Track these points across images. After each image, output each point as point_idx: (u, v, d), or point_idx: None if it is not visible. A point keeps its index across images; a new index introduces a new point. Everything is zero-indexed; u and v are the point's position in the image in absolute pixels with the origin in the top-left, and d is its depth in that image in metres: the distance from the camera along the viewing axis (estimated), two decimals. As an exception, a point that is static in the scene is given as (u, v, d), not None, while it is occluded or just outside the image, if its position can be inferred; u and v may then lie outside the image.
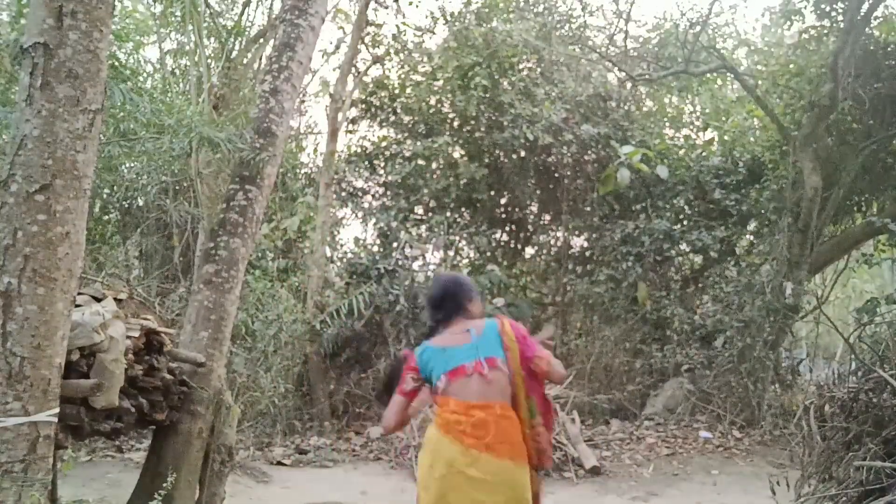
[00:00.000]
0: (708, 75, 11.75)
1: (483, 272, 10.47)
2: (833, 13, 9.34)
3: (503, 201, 12.50)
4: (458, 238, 11.19)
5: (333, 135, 10.62)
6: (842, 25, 8.86)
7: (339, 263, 11.31)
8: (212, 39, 7.75)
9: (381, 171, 12.17)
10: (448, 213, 11.49)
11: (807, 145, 9.13)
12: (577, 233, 12.31)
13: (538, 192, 12.25)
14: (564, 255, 12.31)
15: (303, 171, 12.50)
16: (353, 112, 12.16)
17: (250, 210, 4.57)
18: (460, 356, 2.82)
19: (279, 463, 7.46)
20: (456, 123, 11.72)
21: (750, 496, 6.23)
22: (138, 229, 9.40)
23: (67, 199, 2.82)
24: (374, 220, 11.54)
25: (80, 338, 3.10)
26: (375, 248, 11.02)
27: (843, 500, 3.97)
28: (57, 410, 2.82)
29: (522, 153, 11.43)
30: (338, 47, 12.09)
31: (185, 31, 6.53)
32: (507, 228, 12.95)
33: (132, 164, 7.60)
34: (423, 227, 11.32)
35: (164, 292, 8.36)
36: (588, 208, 11.63)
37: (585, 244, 12.36)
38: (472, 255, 12.13)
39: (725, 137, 11.78)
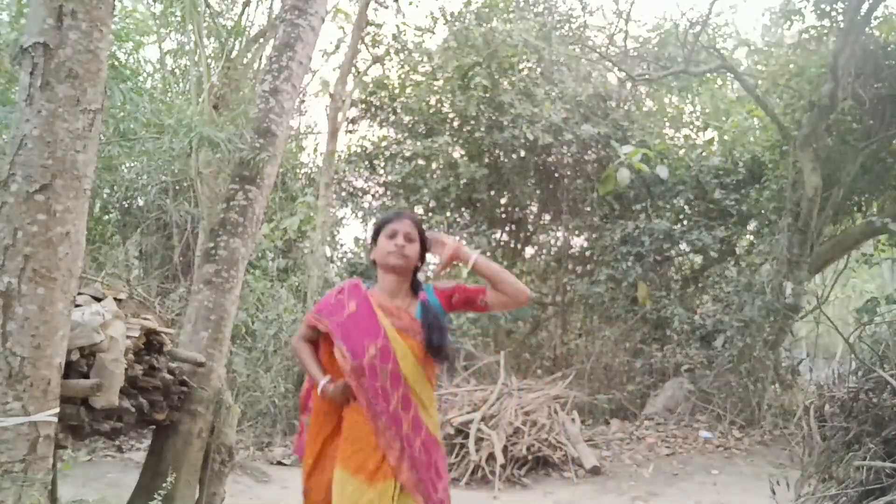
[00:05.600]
0: (708, 75, 11.76)
1: (483, 272, 10.45)
2: (833, 13, 9.33)
3: (503, 201, 12.51)
4: (457, 238, 11.19)
5: (333, 135, 10.63)
6: (842, 25, 8.86)
7: (339, 263, 11.32)
8: (212, 39, 7.77)
9: (381, 171, 12.17)
10: (448, 213, 11.50)
11: (807, 145, 9.13)
12: (577, 233, 12.32)
13: (538, 192, 12.25)
14: (564, 255, 12.32)
15: (303, 171, 12.50)
16: (353, 112, 12.17)
17: (250, 210, 4.56)
18: None
19: (279, 463, 7.46)
20: (456, 123, 11.73)
21: (750, 496, 6.23)
22: (138, 229, 9.40)
23: (67, 199, 2.82)
24: (374, 220, 11.54)
25: (80, 338, 3.09)
26: (375, 248, 11.01)
27: (843, 500, 3.97)
28: (57, 410, 2.82)
29: (522, 153, 11.43)
30: (338, 47, 12.09)
31: (185, 31, 6.54)
32: (507, 228, 12.95)
33: (132, 164, 7.62)
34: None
35: (164, 292, 8.36)
36: (588, 208, 11.63)
37: (585, 244, 12.37)
38: (472, 255, 12.13)
39: (725, 137, 11.79)
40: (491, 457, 6.91)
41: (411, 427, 2.44)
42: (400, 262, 2.48)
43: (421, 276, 2.68)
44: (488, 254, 11.91)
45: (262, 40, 8.74)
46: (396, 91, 12.20)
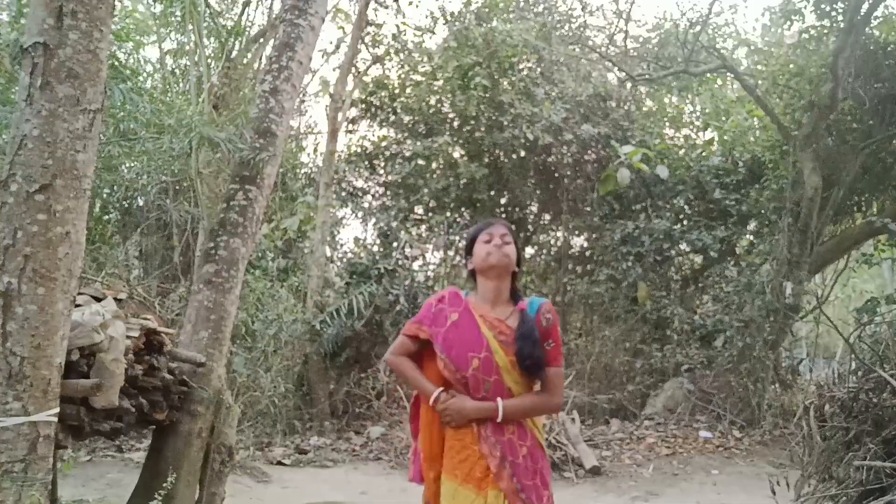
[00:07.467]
0: (708, 75, 11.75)
1: (483, 272, 10.46)
2: (833, 13, 9.33)
3: (503, 201, 12.50)
4: (458, 238, 11.18)
5: (333, 135, 10.61)
6: (842, 25, 8.86)
7: (339, 263, 11.32)
8: (212, 39, 7.78)
9: (381, 171, 12.17)
10: (448, 213, 11.49)
11: (807, 145, 9.13)
12: (577, 233, 12.31)
13: (538, 192, 12.25)
14: (564, 255, 12.31)
15: (303, 171, 12.51)
16: (353, 112, 12.16)
17: (250, 210, 4.56)
18: None
19: (279, 463, 7.46)
20: (456, 123, 11.72)
21: (750, 496, 6.23)
22: (138, 229, 9.40)
23: (67, 199, 2.82)
24: (374, 220, 11.53)
25: (80, 338, 3.09)
26: (375, 248, 11.02)
27: (843, 500, 3.97)
28: (57, 410, 2.82)
29: (522, 153, 11.43)
30: (338, 47, 12.10)
31: (185, 31, 6.55)
32: (507, 228, 12.94)
33: (132, 164, 7.61)
34: (423, 227, 11.33)
35: (164, 292, 8.36)
36: (588, 208, 11.63)
37: (585, 244, 12.37)
38: (472, 254, 12.13)
39: (725, 137, 11.78)
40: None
41: (516, 435, 2.42)
42: (503, 260, 2.46)
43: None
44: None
45: (262, 40, 8.75)
46: (396, 91, 12.19)
